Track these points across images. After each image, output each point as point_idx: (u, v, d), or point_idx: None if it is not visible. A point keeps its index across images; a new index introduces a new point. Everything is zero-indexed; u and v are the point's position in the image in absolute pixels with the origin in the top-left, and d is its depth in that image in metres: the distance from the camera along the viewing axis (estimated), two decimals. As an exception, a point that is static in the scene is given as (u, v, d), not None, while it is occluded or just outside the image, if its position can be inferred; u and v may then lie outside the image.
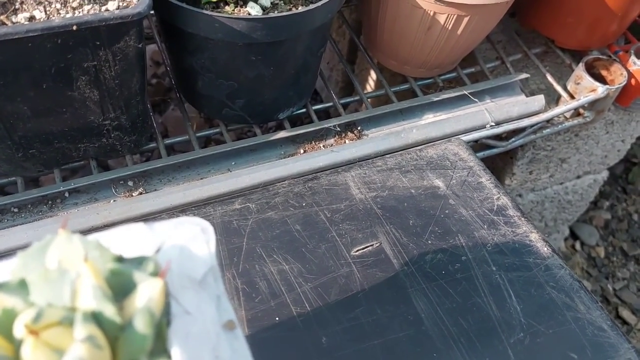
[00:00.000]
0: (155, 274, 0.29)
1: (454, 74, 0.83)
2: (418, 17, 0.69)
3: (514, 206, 0.62)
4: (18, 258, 0.30)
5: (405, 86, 0.81)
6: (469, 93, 0.77)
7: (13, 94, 0.53)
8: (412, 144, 0.72)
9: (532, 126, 0.79)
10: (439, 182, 0.64)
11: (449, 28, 0.69)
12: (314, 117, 0.74)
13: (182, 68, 0.67)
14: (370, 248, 0.58)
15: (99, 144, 0.64)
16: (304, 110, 0.75)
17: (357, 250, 0.57)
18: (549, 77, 0.84)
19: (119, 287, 0.28)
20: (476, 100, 0.76)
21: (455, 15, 0.67)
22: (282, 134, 0.70)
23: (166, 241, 0.34)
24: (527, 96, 0.80)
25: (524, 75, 0.80)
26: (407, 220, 0.60)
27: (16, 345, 0.26)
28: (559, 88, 0.83)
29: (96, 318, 0.26)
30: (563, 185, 1.04)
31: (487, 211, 0.62)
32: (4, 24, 0.48)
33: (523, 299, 0.54)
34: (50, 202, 0.63)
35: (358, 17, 0.99)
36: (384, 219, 0.60)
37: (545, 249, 0.59)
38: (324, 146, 0.71)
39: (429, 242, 0.59)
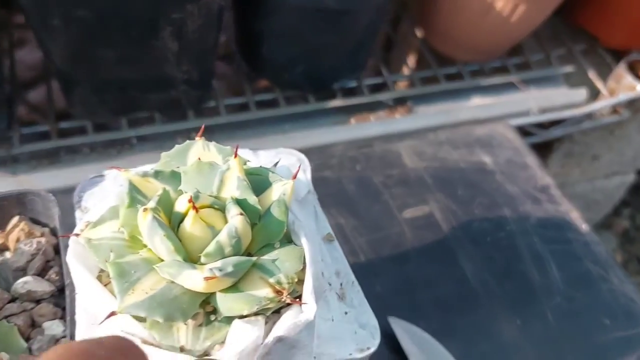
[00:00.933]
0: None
1: (500, 63, 0.86)
2: (477, 1, 0.72)
3: (557, 186, 0.66)
4: (162, 157, 0.33)
5: (454, 70, 0.84)
6: (515, 81, 0.80)
7: (103, 40, 0.57)
8: (460, 123, 0.75)
9: (572, 118, 0.83)
10: (486, 159, 0.68)
11: (505, 14, 0.73)
12: (365, 90, 0.78)
13: (248, 32, 0.71)
14: (420, 212, 0.61)
15: (167, 95, 0.67)
16: (355, 83, 0.79)
17: (408, 213, 0.61)
18: (590, 74, 0.87)
19: (256, 184, 0.32)
20: (523, 88, 0.80)
21: (512, 2, 0.71)
22: (335, 103, 0.74)
23: (267, 164, 0.38)
24: (569, 89, 0.83)
25: (567, 69, 0.83)
26: (456, 190, 0.64)
27: (173, 218, 0.30)
28: (599, 85, 0.86)
29: (240, 205, 0.30)
30: (592, 183, 1.07)
31: (531, 188, 0.65)
32: (107, -31, 0.52)
33: (562, 268, 0.58)
34: (119, 146, 0.66)
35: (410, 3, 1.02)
36: (434, 187, 0.64)
37: (584, 226, 0.62)
38: (374, 118, 0.75)
39: (476, 211, 0.62)
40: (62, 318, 0.34)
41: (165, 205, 0.30)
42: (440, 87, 0.78)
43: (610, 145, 0.97)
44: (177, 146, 0.34)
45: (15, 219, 0.38)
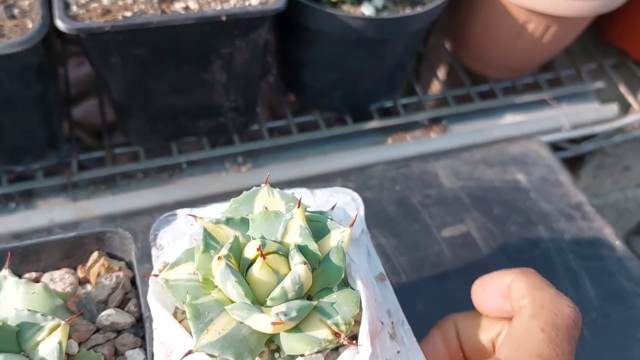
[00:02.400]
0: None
1: (531, 79, 0.88)
2: (509, 24, 0.74)
3: (590, 203, 0.68)
4: (232, 202, 0.37)
5: (486, 87, 0.87)
6: (547, 98, 0.82)
7: (158, 73, 0.61)
8: (493, 141, 0.78)
9: (604, 133, 0.84)
10: (520, 177, 0.70)
11: (537, 36, 0.75)
12: (401, 109, 0.81)
13: (290, 59, 0.75)
14: (458, 231, 0.64)
15: (214, 122, 0.71)
16: (391, 103, 0.82)
17: (447, 232, 0.64)
18: (621, 88, 0.89)
19: (315, 231, 0.35)
20: (555, 104, 0.82)
21: (544, 24, 0.73)
22: (373, 124, 0.77)
23: (324, 204, 0.41)
24: (600, 104, 0.85)
25: (599, 85, 0.85)
26: (492, 208, 0.66)
27: (243, 264, 0.34)
28: (630, 99, 0.88)
29: (302, 251, 0.33)
30: (623, 192, 1.08)
31: (565, 206, 0.67)
32: (164, 12, 0.56)
33: (596, 284, 0.60)
34: (170, 171, 0.71)
35: (440, 19, 1.05)
36: (470, 206, 0.66)
37: (617, 242, 0.64)
38: (410, 138, 0.78)
39: (512, 229, 0.64)
40: (142, 347, 0.38)
41: (236, 250, 0.34)
42: (473, 106, 0.80)
43: (643, 156, 0.98)
44: (245, 193, 0.38)
45: (95, 255, 0.42)
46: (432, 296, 0.57)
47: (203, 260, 0.34)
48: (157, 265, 0.39)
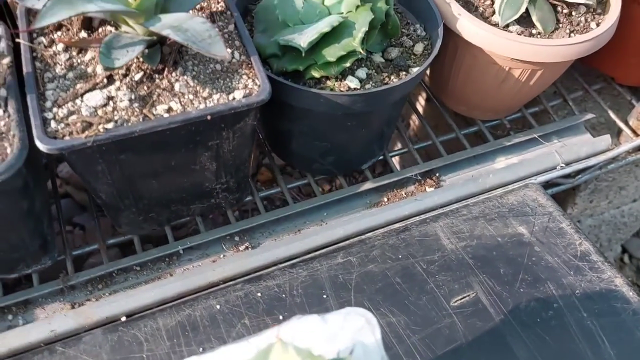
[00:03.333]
0: None
1: (519, 115, 0.88)
2: (493, 72, 0.74)
3: (596, 251, 0.67)
4: None
5: (474, 129, 0.86)
6: (538, 136, 0.81)
7: (146, 172, 0.60)
8: (489, 189, 0.77)
9: (598, 163, 0.84)
10: (522, 229, 0.69)
11: (522, 80, 0.74)
12: (393, 165, 0.80)
13: (278, 132, 0.73)
14: (467, 298, 0.63)
15: (207, 204, 0.70)
16: (381, 156, 0.81)
17: (456, 301, 0.63)
18: (612, 114, 0.88)
19: None
20: (546, 142, 0.81)
21: (530, 70, 0.72)
22: (367, 185, 0.76)
23: (338, 332, 0.40)
24: (592, 135, 0.84)
25: (589, 116, 0.85)
26: (498, 269, 0.65)
27: None
28: (621, 125, 0.87)
29: None
30: (619, 209, 1.07)
31: (571, 257, 0.66)
32: (146, 117, 0.55)
33: (615, 344, 0.59)
34: (167, 259, 0.69)
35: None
36: (476, 268, 0.65)
37: (631, 293, 0.63)
38: (405, 193, 0.77)
39: (521, 290, 0.64)
40: None
41: None
42: (465, 153, 0.80)
43: (637, 175, 0.98)
44: (257, 351, 0.37)
45: None
46: (450, 376, 0.56)
47: None
48: None
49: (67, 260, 0.68)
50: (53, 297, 0.66)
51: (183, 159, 0.60)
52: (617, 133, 0.89)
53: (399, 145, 0.84)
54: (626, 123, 0.87)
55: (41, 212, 0.61)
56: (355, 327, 0.40)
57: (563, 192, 0.98)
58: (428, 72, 0.89)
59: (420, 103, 1.09)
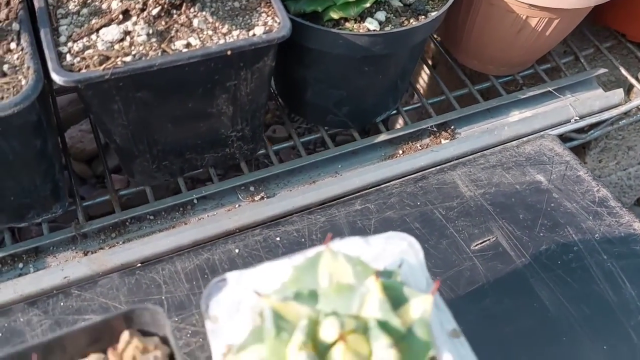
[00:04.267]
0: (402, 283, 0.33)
1: (531, 71, 0.87)
2: (510, 20, 0.73)
3: (614, 197, 0.67)
4: (293, 270, 0.35)
5: (487, 84, 0.85)
6: (552, 89, 0.81)
7: (162, 113, 0.58)
8: (505, 141, 0.76)
9: (610, 118, 0.83)
10: (540, 177, 0.69)
11: (539, 30, 0.73)
12: (406, 119, 0.79)
13: (292, 79, 0.72)
14: (487, 242, 0.62)
15: (222, 153, 0.68)
16: (395, 111, 0.80)
17: (476, 245, 0.62)
18: (623, 71, 0.88)
19: (392, 300, 0.32)
20: (560, 96, 0.81)
21: (547, 18, 0.71)
22: (382, 137, 0.75)
23: (381, 253, 0.39)
24: (604, 90, 0.84)
25: (601, 71, 0.84)
26: (517, 214, 0.65)
27: (320, 347, 0.31)
28: (633, 80, 0.87)
29: (382, 327, 0.31)
30: (626, 171, 1.07)
31: (590, 203, 0.66)
32: (165, 52, 0.53)
33: (636, 284, 0.59)
34: (181, 209, 0.68)
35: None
36: (495, 214, 0.65)
37: (650, 237, 0.63)
38: (420, 146, 0.76)
39: (541, 234, 0.63)
40: None
41: (311, 333, 0.31)
42: (479, 106, 0.79)
43: (645, 135, 0.98)
44: (306, 258, 0.36)
45: (126, 335, 0.39)
46: (472, 315, 0.56)
47: (276, 346, 0.31)
48: (215, 344, 0.36)
49: (78, 210, 0.67)
50: (65, 246, 0.64)
51: (200, 100, 0.59)
52: (627, 91, 0.89)
53: (412, 102, 0.83)
54: (637, 79, 0.87)
55: (53, 154, 0.60)
56: (399, 249, 0.39)
57: (573, 150, 0.98)
58: (440, 28, 0.88)
59: (432, 61, 1.08)
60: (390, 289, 0.33)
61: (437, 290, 0.35)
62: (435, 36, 0.92)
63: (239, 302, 0.37)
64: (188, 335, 0.53)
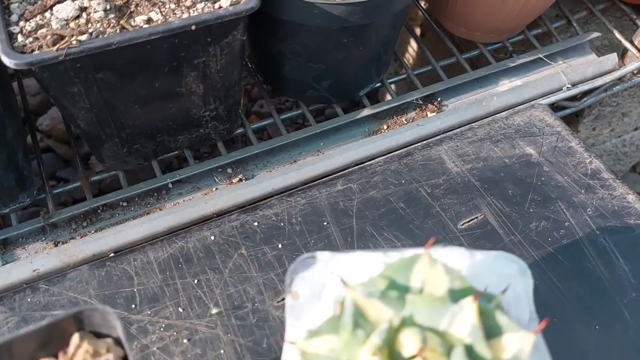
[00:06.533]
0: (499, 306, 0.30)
1: (521, 37, 0.83)
2: (497, -16, 0.69)
3: (607, 169, 0.64)
4: (385, 268, 0.32)
5: (475, 52, 0.81)
6: (543, 56, 0.77)
7: (127, 94, 0.55)
8: (494, 112, 0.73)
9: (604, 85, 0.80)
10: (530, 150, 0.66)
11: (528, -7, 0.69)
12: (391, 92, 0.75)
13: (267, 54, 0.68)
14: (475, 220, 0.60)
15: (196, 134, 0.65)
16: (379, 84, 0.76)
17: (464, 224, 0.59)
18: (617, 34, 0.84)
19: (486, 327, 0.29)
20: (552, 62, 0.77)
21: (536, -19, 0.67)
22: (365, 112, 0.71)
23: (485, 272, 0.35)
24: (597, 55, 0.80)
25: (594, 35, 0.80)
26: (506, 190, 0.62)
27: (395, 356, 0.28)
28: (627, 44, 0.83)
29: (469, 353, 0.28)
30: (621, 138, 1.04)
31: (582, 175, 0.63)
32: (124, 28, 0.49)
33: (630, 260, 0.56)
34: (156, 194, 0.65)
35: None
36: (483, 190, 0.62)
37: (644, 209, 0.60)
38: (406, 120, 0.72)
39: (531, 210, 0.60)
40: None
41: (389, 338, 0.29)
42: (467, 76, 0.75)
43: (640, 100, 0.94)
44: (402, 258, 0.33)
45: (76, 338, 0.36)
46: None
47: (350, 342, 0.29)
48: (290, 321, 0.33)
49: (47, 198, 0.64)
50: (34, 237, 0.61)
51: (167, 80, 0.55)
52: (621, 55, 0.85)
53: (397, 74, 0.79)
54: (632, 43, 0.83)
55: (14, 141, 0.56)
56: (506, 272, 0.36)
57: (566, 119, 0.95)
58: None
59: (418, 29, 1.04)
60: (486, 314, 0.30)
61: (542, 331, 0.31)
62: (422, 4, 0.88)
63: (323, 285, 0.34)
64: (161, 329, 0.51)
